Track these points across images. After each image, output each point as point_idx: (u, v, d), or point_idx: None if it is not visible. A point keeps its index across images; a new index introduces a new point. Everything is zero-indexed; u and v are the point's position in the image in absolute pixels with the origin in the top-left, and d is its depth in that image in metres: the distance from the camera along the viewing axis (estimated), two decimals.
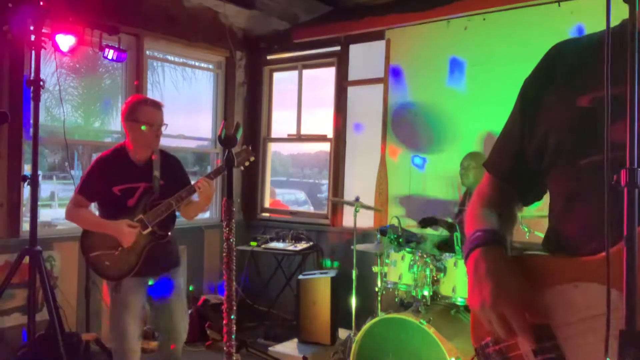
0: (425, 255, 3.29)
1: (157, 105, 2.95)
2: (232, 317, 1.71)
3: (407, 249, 3.43)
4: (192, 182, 3.04)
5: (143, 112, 2.88)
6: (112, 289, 2.89)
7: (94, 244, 2.88)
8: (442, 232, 4.00)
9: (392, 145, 4.99)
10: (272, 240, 5.32)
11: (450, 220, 4.06)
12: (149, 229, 2.85)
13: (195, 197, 2.95)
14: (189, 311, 4.56)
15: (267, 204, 6.10)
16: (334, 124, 5.47)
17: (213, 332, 4.50)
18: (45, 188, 8.67)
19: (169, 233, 3.00)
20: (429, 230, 4.23)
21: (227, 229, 1.69)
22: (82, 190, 2.90)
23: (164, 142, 3.19)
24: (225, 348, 1.76)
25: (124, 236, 2.80)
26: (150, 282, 2.95)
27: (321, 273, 4.57)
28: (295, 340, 4.47)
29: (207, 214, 5.72)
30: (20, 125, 4.09)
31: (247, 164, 3.11)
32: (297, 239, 5.28)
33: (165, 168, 3.00)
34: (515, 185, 1.32)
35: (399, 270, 3.36)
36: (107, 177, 2.88)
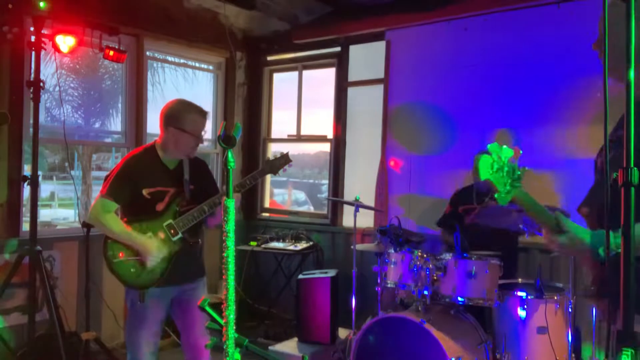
0: (425, 255, 3.29)
1: (204, 115, 2.80)
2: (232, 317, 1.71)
3: (407, 249, 3.43)
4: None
5: (191, 121, 2.73)
6: (135, 298, 2.70)
7: (118, 249, 2.69)
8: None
9: (392, 145, 4.99)
10: (272, 240, 5.33)
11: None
12: (179, 235, 2.72)
13: None
14: None
15: (267, 204, 6.11)
16: (334, 124, 5.47)
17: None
18: (45, 188, 8.68)
19: (199, 240, 2.88)
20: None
21: (227, 228, 1.69)
22: (110, 192, 2.68)
23: None
24: (225, 348, 1.76)
25: (150, 256, 2.65)
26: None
27: (321, 273, 4.57)
28: (295, 339, 4.47)
29: None
30: (20, 125, 4.09)
31: (284, 170, 2.93)
32: (297, 239, 5.28)
33: (195, 172, 2.87)
34: None
35: (399, 270, 3.37)
36: (137, 178, 2.70)
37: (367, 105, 5.26)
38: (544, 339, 3.14)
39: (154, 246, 2.67)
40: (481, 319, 3.52)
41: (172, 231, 2.72)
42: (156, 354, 2.82)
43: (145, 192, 2.70)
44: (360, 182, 5.20)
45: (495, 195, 1.46)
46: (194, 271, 2.91)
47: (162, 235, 2.72)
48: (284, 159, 2.89)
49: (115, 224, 2.69)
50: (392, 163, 4.92)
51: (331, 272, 4.55)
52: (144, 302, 2.69)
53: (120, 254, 2.69)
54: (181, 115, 2.74)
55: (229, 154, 1.67)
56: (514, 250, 3.92)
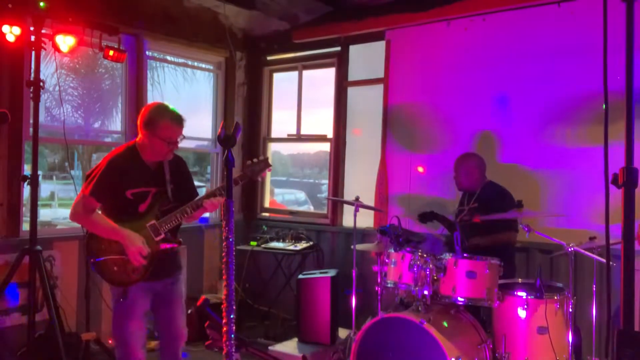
0: (425, 255, 3.29)
1: (179, 121, 2.80)
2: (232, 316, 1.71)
3: (407, 249, 3.43)
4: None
5: (164, 129, 2.73)
6: (119, 295, 2.78)
7: (102, 248, 2.75)
8: None
9: (392, 145, 4.99)
10: (272, 240, 5.32)
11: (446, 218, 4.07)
12: (162, 236, 2.76)
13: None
14: (189, 311, 4.57)
15: (267, 204, 6.11)
16: (334, 124, 5.47)
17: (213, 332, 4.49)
18: (45, 188, 8.67)
19: (180, 240, 2.92)
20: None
21: (227, 228, 1.69)
22: (94, 192, 2.69)
23: None
24: (225, 348, 1.76)
25: (131, 250, 2.67)
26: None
27: (321, 273, 4.57)
28: (295, 340, 4.47)
29: (207, 214, 5.71)
30: (20, 125, 4.09)
31: (264, 175, 2.94)
32: (297, 239, 5.28)
33: (175, 172, 2.91)
34: None
35: (399, 270, 3.36)
36: (121, 179, 2.73)
37: (367, 104, 5.26)
38: (544, 339, 3.13)
39: (138, 238, 2.69)
40: (481, 319, 3.52)
41: (154, 232, 2.75)
42: (145, 347, 2.88)
43: (129, 193, 2.74)
44: (360, 182, 5.19)
45: None
46: (173, 267, 2.98)
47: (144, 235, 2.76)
48: (263, 164, 2.87)
49: (99, 219, 2.74)
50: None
51: (331, 272, 4.54)
52: (126, 299, 2.75)
53: (104, 253, 2.74)
54: (155, 120, 2.75)
55: (229, 154, 1.68)
56: (511, 249, 3.91)
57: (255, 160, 2.89)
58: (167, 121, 2.76)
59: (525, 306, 3.16)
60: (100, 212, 2.81)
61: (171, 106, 2.84)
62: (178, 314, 2.99)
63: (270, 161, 2.95)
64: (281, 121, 6.06)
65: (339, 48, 5.42)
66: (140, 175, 2.79)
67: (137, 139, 2.85)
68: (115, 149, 2.92)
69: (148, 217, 2.77)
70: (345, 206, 5.35)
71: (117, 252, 2.72)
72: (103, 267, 2.76)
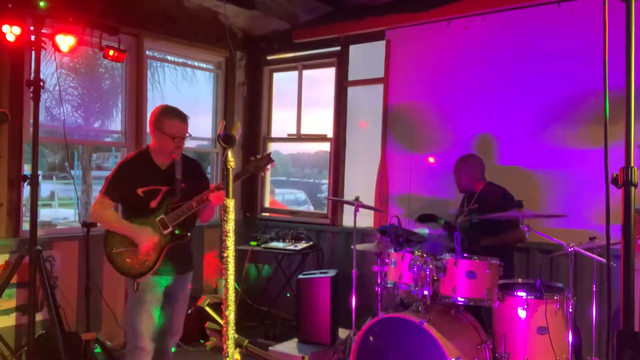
0: (425, 255, 3.29)
1: (183, 118, 3.06)
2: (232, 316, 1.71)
3: (407, 249, 3.43)
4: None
5: (168, 125, 3.01)
6: (131, 286, 3.01)
7: (116, 241, 3.01)
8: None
9: (392, 145, 4.99)
10: (272, 239, 5.32)
11: (442, 220, 4.08)
12: (170, 229, 2.98)
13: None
14: (189, 311, 4.57)
15: (267, 204, 6.11)
16: (334, 124, 5.47)
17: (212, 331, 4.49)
18: (45, 188, 8.68)
19: (189, 234, 3.12)
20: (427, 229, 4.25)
21: (226, 228, 1.69)
22: (107, 192, 3.01)
23: None
24: (225, 348, 1.76)
25: (143, 243, 2.94)
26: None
27: (321, 273, 4.57)
28: (295, 340, 4.47)
29: None
30: (20, 125, 4.09)
31: (267, 170, 3.16)
32: (297, 239, 5.27)
33: (187, 171, 3.13)
34: None
35: (399, 270, 3.36)
36: (131, 179, 3.01)
37: (367, 104, 5.26)
38: (544, 339, 3.13)
39: (145, 231, 2.96)
40: (481, 319, 3.52)
41: (163, 226, 2.98)
42: (154, 340, 3.04)
43: (139, 191, 3.01)
44: (360, 182, 5.19)
45: None
46: (184, 264, 3.19)
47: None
48: (266, 159, 3.05)
49: (112, 217, 3.05)
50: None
51: (331, 272, 4.54)
52: (137, 290, 2.99)
53: (118, 246, 3.01)
54: (160, 119, 3.03)
55: (229, 154, 1.68)
56: (510, 249, 3.91)
57: (258, 156, 3.07)
58: (172, 118, 3.03)
59: (525, 306, 3.16)
60: (119, 207, 3.17)
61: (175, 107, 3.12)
62: (181, 311, 3.19)
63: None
64: (281, 121, 6.06)
65: (339, 48, 5.41)
66: (150, 175, 3.04)
67: (150, 143, 3.11)
68: (129, 153, 3.22)
69: (158, 213, 3.01)
70: (345, 206, 5.34)
71: (130, 245, 2.98)
72: (117, 258, 3.01)
